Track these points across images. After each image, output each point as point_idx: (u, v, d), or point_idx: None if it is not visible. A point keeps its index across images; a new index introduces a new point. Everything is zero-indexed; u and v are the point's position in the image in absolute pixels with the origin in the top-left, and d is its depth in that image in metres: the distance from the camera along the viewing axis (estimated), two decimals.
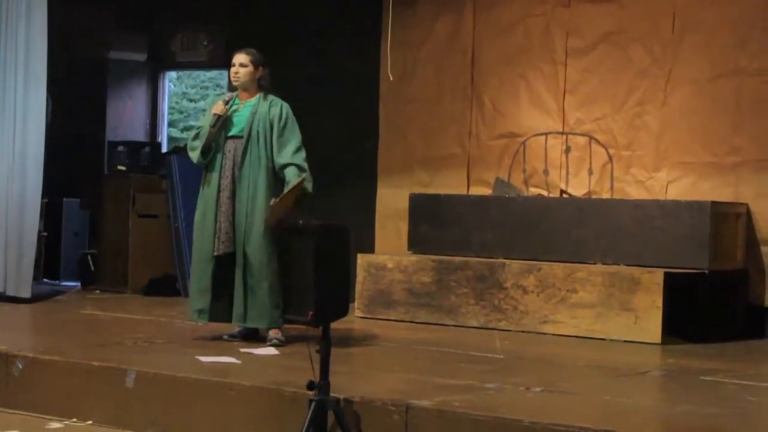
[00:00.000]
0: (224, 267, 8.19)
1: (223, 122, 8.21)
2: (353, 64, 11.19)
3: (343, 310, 5.97)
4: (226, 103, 8.25)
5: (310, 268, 5.78)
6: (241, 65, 8.30)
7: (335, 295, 5.89)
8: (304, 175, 8.02)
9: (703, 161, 9.61)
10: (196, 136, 8.31)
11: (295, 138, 8.19)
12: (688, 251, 9.11)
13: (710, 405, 6.34)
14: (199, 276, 8.27)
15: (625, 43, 9.97)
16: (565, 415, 5.77)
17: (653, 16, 9.83)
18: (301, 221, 6.07)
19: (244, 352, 7.71)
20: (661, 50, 9.80)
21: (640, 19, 9.89)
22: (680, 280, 8.95)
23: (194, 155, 8.27)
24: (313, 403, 5.79)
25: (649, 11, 9.85)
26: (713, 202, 9.16)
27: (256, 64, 8.30)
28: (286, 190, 7.88)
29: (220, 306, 8.21)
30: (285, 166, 8.10)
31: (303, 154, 8.17)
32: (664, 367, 7.91)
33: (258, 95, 8.30)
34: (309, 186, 8.03)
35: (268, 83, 8.35)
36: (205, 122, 8.30)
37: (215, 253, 8.17)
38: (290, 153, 8.13)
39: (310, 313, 5.82)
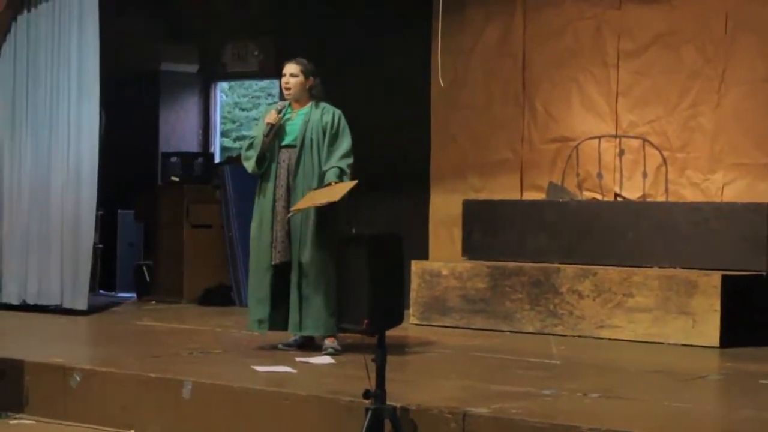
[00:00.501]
0: (281, 276, 8.21)
1: (276, 131, 8.23)
2: (403, 71, 11.18)
3: (398, 318, 5.96)
4: (279, 112, 8.27)
5: (365, 276, 5.78)
6: (292, 75, 8.31)
7: (390, 304, 5.88)
8: (349, 182, 8.02)
9: (758, 162, 9.50)
10: (250, 146, 8.34)
11: (345, 144, 8.20)
12: (746, 253, 9.02)
13: None
14: (257, 286, 8.29)
15: (677, 44, 9.89)
16: (623, 421, 5.72)
17: (705, 16, 9.73)
18: (354, 230, 6.07)
19: (300, 362, 7.71)
20: (714, 51, 9.71)
21: (692, 19, 9.80)
22: (738, 282, 8.86)
23: (249, 165, 8.29)
24: (370, 412, 5.79)
25: (700, 11, 9.76)
26: None
27: (306, 73, 8.32)
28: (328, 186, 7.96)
29: (278, 315, 8.23)
30: (329, 168, 8.11)
31: (349, 160, 8.17)
32: (722, 371, 7.84)
33: (310, 104, 8.32)
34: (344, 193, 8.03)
35: (319, 92, 8.37)
36: (258, 132, 8.33)
37: (272, 263, 8.19)
38: (337, 158, 8.15)
39: (365, 321, 5.81)
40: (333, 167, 8.12)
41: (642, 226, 9.50)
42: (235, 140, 18.58)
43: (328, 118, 8.25)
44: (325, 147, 8.19)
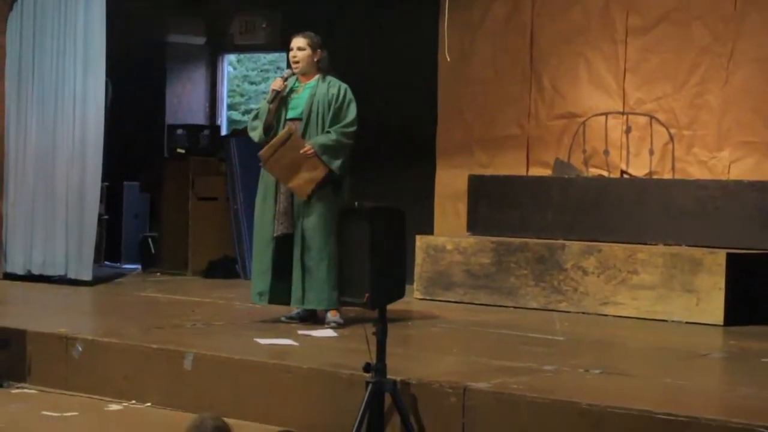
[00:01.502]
0: (284, 249, 8.20)
1: (282, 102, 8.21)
2: (411, 46, 11.13)
3: (399, 293, 5.94)
4: (285, 79, 8.26)
5: (366, 250, 5.76)
6: (299, 49, 8.29)
7: (391, 278, 5.86)
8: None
9: (766, 140, 9.45)
10: (256, 117, 8.35)
11: (349, 116, 8.19)
12: (751, 232, 8.99)
13: None
14: (259, 258, 8.30)
15: (686, 21, 9.83)
16: (623, 398, 5.71)
17: None
18: (356, 203, 6.05)
19: (302, 335, 7.72)
20: (723, 28, 9.65)
21: None
22: (743, 261, 8.83)
23: (255, 134, 8.29)
24: (370, 386, 5.79)
25: None
26: None
27: (314, 47, 8.30)
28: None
29: (279, 288, 8.22)
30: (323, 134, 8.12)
31: (346, 129, 8.14)
32: (725, 349, 7.82)
33: (317, 77, 8.30)
34: (334, 163, 8.05)
35: (326, 65, 8.35)
36: (263, 101, 8.32)
37: (274, 235, 8.18)
38: (336, 127, 8.12)
39: (366, 295, 5.80)
40: (323, 135, 8.09)
41: (648, 204, 9.47)
42: (243, 113, 18.54)
43: (334, 91, 8.23)
44: (330, 120, 8.17)
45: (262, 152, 8.15)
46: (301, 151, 8.05)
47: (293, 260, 8.16)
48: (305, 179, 8.08)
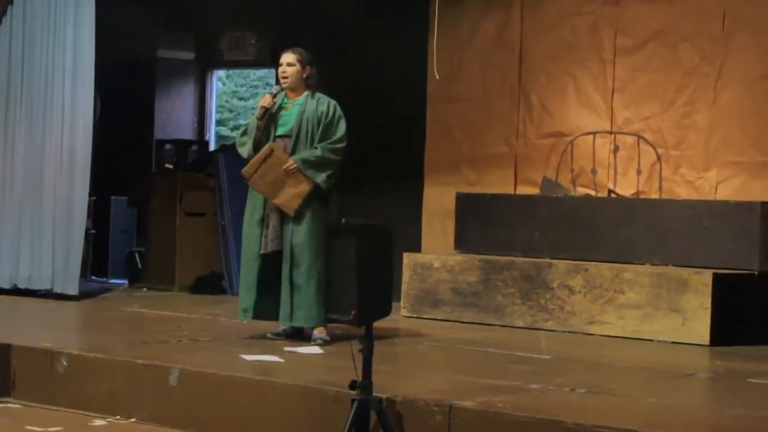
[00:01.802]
0: (271, 265, 8.19)
1: (271, 119, 8.21)
2: (400, 63, 11.15)
3: (385, 310, 5.93)
4: (274, 96, 8.26)
5: (352, 267, 5.75)
6: (289, 64, 8.30)
7: (377, 295, 5.86)
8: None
9: (753, 161, 9.48)
10: (245, 132, 8.35)
11: (338, 133, 8.20)
12: (738, 252, 9.00)
13: (759, 408, 6.26)
14: (246, 274, 8.29)
15: (674, 41, 9.86)
16: (609, 417, 5.71)
17: (703, 13, 9.70)
18: (343, 220, 6.04)
19: (288, 351, 7.70)
20: (711, 48, 9.68)
21: (690, 17, 9.77)
22: (729, 281, 8.84)
23: (244, 150, 8.28)
24: (356, 403, 5.78)
25: (698, 9, 9.73)
26: (763, 203, 9.03)
27: (303, 63, 8.30)
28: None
29: (265, 304, 8.22)
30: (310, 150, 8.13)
31: (334, 146, 8.15)
32: (711, 369, 7.83)
33: (305, 94, 8.30)
34: (318, 177, 8.06)
35: (315, 82, 8.35)
36: (253, 118, 8.32)
37: (261, 251, 8.17)
38: (324, 143, 8.12)
39: (353, 312, 5.79)
40: (306, 151, 8.10)
41: (635, 223, 9.48)
42: (232, 129, 18.57)
43: (323, 107, 8.24)
44: (319, 136, 8.17)
45: (245, 169, 8.17)
46: (283, 167, 8.06)
47: (282, 277, 8.16)
48: (291, 194, 8.08)
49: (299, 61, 8.30)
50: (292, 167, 8.06)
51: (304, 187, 8.07)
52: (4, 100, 11.08)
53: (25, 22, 11.04)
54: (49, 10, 10.90)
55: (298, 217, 8.11)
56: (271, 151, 8.11)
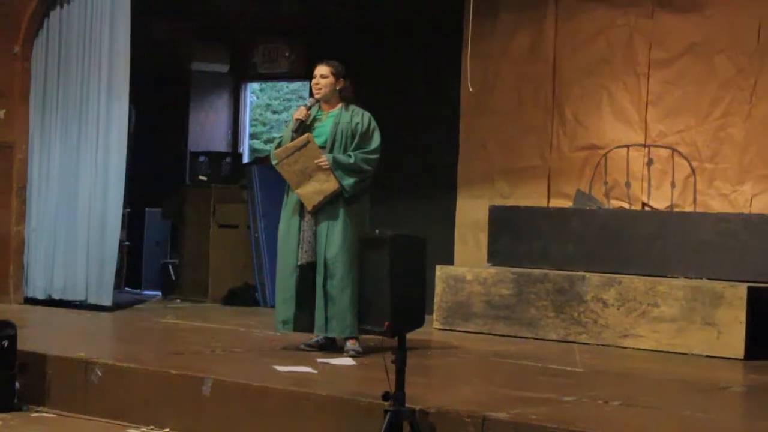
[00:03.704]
0: (307, 277, 8.20)
1: (305, 131, 8.24)
2: (434, 75, 11.17)
3: (418, 321, 5.94)
4: (308, 108, 8.29)
5: (386, 277, 5.76)
6: (322, 76, 8.32)
7: (411, 306, 5.87)
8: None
9: None
10: (279, 145, 8.35)
11: (373, 144, 8.21)
12: None
13: None
14: (283, 287, 8.29)
15: (709, 54, 9.83)
16: (643, 430, 5.70)
17: (738, 26, 9.67)
18: (377, 231, 6.05)
19: (321, 362, 7.70)
20: (747, 61, 9.64)
21: (725, 29, 9.74)
22: (764, 294, 8.79)
23: (276, 160, 8.28)
24: (389, 414, 5.78)
25: (733, 22, 9.70)
26: None
27: (337, 75, 8.32)
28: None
29: (303, 316, 8.23)
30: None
31: (368, 156, 8.16)
32: (746, 383, 7.78)
33: (340, 106, 8.32)
34: (345, 180, 8.08)
35: (349, 94, 8.37)
36: (287, 130, 8.34)
37: (298, 263, 8.18)
38: (358, 151, 8.14)
39: (386, 323, 5.79)
40: (343, 154, 8.14)
41: (669, 236, 9.44)
42: (265, 142, 18.59)
43: (357, 119, 8.26)
44: (353, 148, 8.19)
45: (278, 152, 8.20)
46: (316, 161, 8.09)
47: (316, 288, 8.17)
48: (314, 189, 8.11)
49: (333, 73, 8.32)
50: (324, 164, 8.08)
51: (329, 186, 8.09)
52: (40, 112, 11.16)
53: (61, 34, 11.13)
54: (85, 22, 10.98)
55: (331, 229, 8.12)
56: (308, 141, 8.14)
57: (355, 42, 11.65)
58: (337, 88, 8.33)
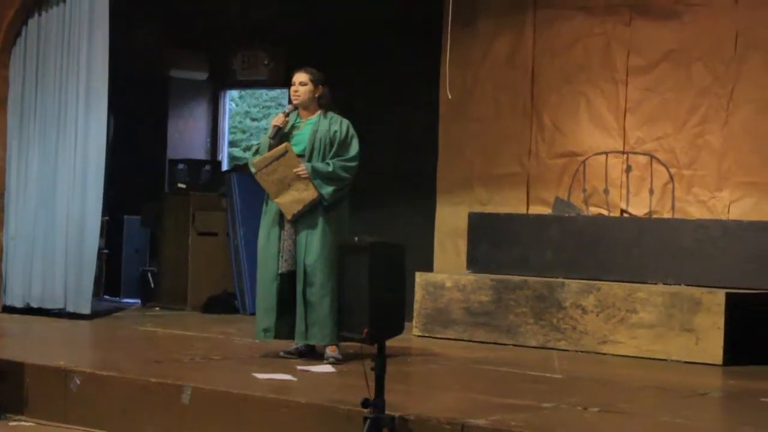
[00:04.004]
0: (288, 285, 8.20)
1: (283, 138, 8.23)
2: (413, 83, 11.18)
3: (398, 328, 5.94)
4: (286, 115, 8.29)
5: (365, 285, 5.76)
6: (301, 84, 8.32)
7: (390, 313, 5.86)
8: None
9: (766, 181, 9.48)
10: (257, 152, 8.35)
11: (351, 151, 8.21)
12: (751, 272, 8.99)
13: None
14: (264, 295, 8.28)
15: (686, 61, 9.87)
16: None
17: (715, 34, 9.72)
18: (357, 238, 6.05)
19: (301, 370, 7.70)
20: (724, 69, 9.69)
21: (702, 37, 9.79)
22: (742, 300, 8.83)
23: (254, 169, 8.28)
24: (368, 421, 5.78)
25: (711, 30, 9.74)
26: None
27: (315, 82, 8.32)
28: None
29: (284, 324, 8.23)
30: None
31: (346, 164, 8.16)
32: (724, 389, 7.81)
33: (318, 113, 8.32)
34: (324, 189, 8.07)
35: (327, 101, 8.37)
36: (265, 138, 8.34)
37: (279, 272, 8.18)
38: (336, 159, 8.14)
39: (366, 330, 5.79)
40: (321, 163, 8.13)
41: (647, 243, 9.47)
42: (244, 150, 18.54)
43: (336, 127, 8.26)
44: (332, 156, 8.19)
45: (256, 161, 8.20)
46: (295, 171, 8.09)
47: (296, 296, 8.16)
48: (293, 198, 8.11)
49: (311, 80, 8.32)
50: (303, 173, 8.08)
51: (308, 195, 8.09)
52: (18, 120, 11.13)
53: (40, 41, 11.10)
54: (64, 29, 10.96)
55: (310, 237, 8.13)
56: (286, 151, 8.14)
57: (335, 49, 11.65)
58: (316, 95, 8.33)
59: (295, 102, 8.35)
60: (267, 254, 8.27)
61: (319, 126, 8.26)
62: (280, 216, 8.22)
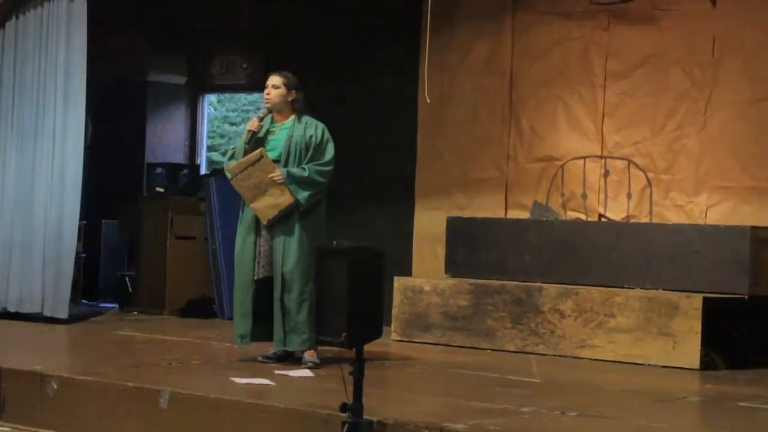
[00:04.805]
0: (265, 291, 8.19)
1: (258, 143, 8.22)
2: (391, 87, 11.18)
3: (376, 332, 5.94)
4: (261, 119, 8.27)
5: (343, 289, 5.76)
6: (274, 87, 8.30)
7: (368, 317, 5.87)
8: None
9: (743, 185, 9.52)
10: (232, 156, 8.33)
11: (327, 156, 8.20)
12: (728, 276, 9.01)
13: None
14: (241, 301, 8.28)
15: (664, 66, 9.91)
16: None
17: (693, 39, 9.76)
18: (335, 243, 6.05)
19: (279, 374, 7.69)
20: (701, 73, 9.73)
21: (680, 42, 9.82)
22: (719, 305, 8.86)
23: (230, 175, 8.27)
24: (347, 425, 5.78)
25: (688, 34, 9.78)
26: (753, 227, 9.06)
27: (289, 86, 8.30)
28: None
29: (261, 329, 8.24)
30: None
31: (322, 168, 8.14)
32: (702, 393, 7.83)
33: (292, 117, 8.30)
34: (300, 194, 8.07)
35: (301, 106, 8.35)
36: (240, 142, 8.32)
37: (255, 278, 8.17)
38: (312, 164, 8.13)
39: (344, 334, 5.79)
40: (297, 168, 8.12)
41: (625, 247, 9.49)
42: (222, 154, 18.52)
43: (311, 131, 8.24)
44: (307, 161, 8.18)
45: (231, 167, 8.20)
46: (270, 176, 8.07)
47: (274, 302, 8.15)
48: (269, 203, 8.10)
49: (285, 84, 8.29)
50: (278, 179, 8.07)
51: (284, 200, 8.09)
52: None
53: (17, 44, 11.05)
54: (41, 33, 10.92)
55: (288, 243, 8.11)
56: (261, 156, 8.13)
57: (313, 53, 11.65)
58: (289, 99, 8.30)
59: (266, 105, 8.33)
60: (243, 260, 8.25)
61: (294, 131, 8.24)
62: (257, 221, 8.21)
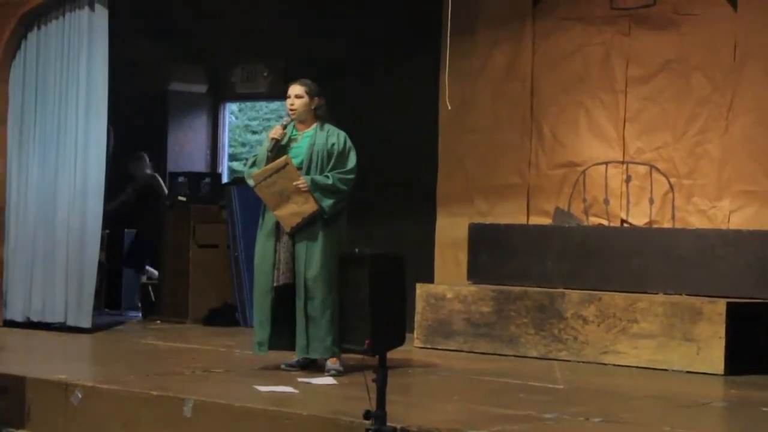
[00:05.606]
0: (284, 298, 8.19)
1: (281, 150, 8.23)
2: (412, 94, 11.18)
3: (399, 340, 5.94)
4: (284, 127, 8.28)
5: (366, 296, 5.77)
6: (297, 96, 8.31)
7: (391, 324, 5.87)
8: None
9: (765, 190, 9.47)
10: (254, 164, 8.35)
11: (349, 164, 8.21)
12: (752, 281, 8.99)
13: None
14: (260, 308, 8.29)
15: (685, 71, 9.88)
16: None
17: (714, 43, 9.73)
18: (357, 250, 6.06)
19: (302, 382, 7.70)
20: (723, 78, 9.70)
21: (701, 47, 9.79)
22: (743, 310, 8.83)
23: (253, 182, 8.28)
24: None
25: (710, 39, 9.75)
26: None
27: (311, 94, 8.31)
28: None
29: (279, 337, 8.24)
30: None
31: (345, 176, 8.15)
32: (726, 399, 7.81)
33: (315, 125, 8.31)
34: (324, 201, 8.07)
35: (324, 113, 8.36)
36: (262, 149, 8.34)
37: (274, 284, 8.18)
38: (335, 172, 8.13)
39: (367, 341, 5.80)
40: (320, 176, 8.12)
41: (648, 253, 9.47)
42: (245, 164, 18.56)
43: (333, 139, 8.25)
44: (330, 169, 8.19)
45: (255, 174, 8.20)
46: (294, 183, 8.08)
47: (296, 310, 8.16)
48: (293, 211, 8.11)
49: (307, 93, 8.31)
50: (302, 186, 8.08)
51: (308, 208, 8.09)
52: (17, 134, 11.13)
53: (39, 55, 11.10)
54: (63, 43, 10.96)
55: (310, 251, 8.12)
56: (286, 164, 8.14)
57: (334, 62, 11.66)
58: (312, 107, 8.32)
59: (291, 115, 8.34)
60: (262, 267, 8.26)
61: (317, 139, 8.26)
62: (277, 228, 8.22)
